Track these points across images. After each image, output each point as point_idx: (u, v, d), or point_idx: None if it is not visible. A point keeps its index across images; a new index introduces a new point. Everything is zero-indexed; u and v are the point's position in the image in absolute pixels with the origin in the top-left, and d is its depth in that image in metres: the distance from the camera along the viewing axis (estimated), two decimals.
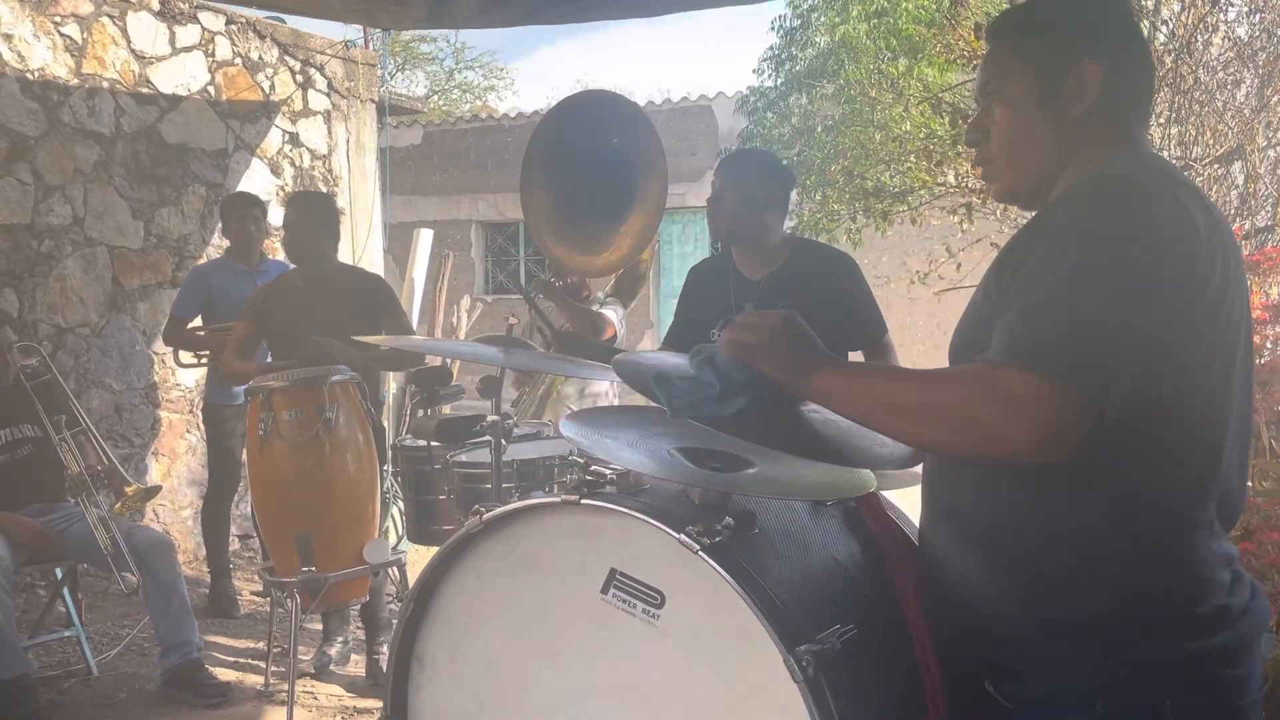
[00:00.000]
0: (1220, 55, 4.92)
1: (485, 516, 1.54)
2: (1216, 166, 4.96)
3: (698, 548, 1.34)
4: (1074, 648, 1.32)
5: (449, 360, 5.29)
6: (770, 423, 1.34)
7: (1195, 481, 1.32)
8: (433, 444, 3.16)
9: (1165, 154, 4.97)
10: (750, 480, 1.43)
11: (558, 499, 1.49)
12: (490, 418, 2.38)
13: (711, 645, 1.40)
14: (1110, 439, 1.24)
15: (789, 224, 7.76)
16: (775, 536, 1.51)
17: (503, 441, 2.37)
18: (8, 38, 5.16)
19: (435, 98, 23.25)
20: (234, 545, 5.97)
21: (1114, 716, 1.31)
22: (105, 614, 5.09)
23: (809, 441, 1.34)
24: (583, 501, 1.46)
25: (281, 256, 5.83)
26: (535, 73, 47.94)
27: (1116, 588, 1.31)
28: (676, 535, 1.36)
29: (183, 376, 6.00)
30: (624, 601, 1.45)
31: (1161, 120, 4.96)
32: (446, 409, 3.82)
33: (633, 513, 1.42)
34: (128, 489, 4.24)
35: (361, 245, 7.09)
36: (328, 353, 3.95)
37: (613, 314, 4.53)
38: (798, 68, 7.67)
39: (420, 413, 3.81)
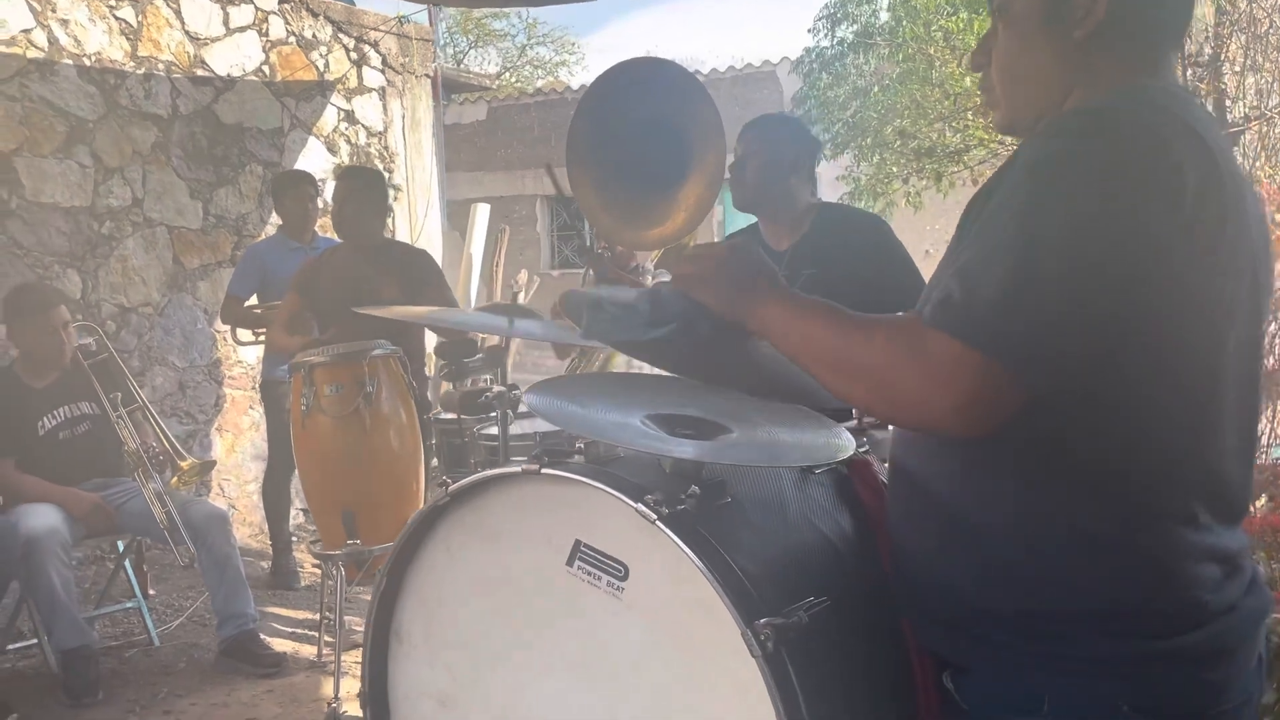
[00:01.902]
0: None
1: (450, 488, 1.51)
2: None
3: (654, 517, 1.28)
4: (1021, 642, 1.21)
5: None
6: (711, 356, 1.27)
7: (1167, 469, 1.17)
8: (463, 416, 3.14)
9: (1241, 104, 4.72)
10: (716, 447, 1.36)
11: (518, 469, 1.44)
12: (496, 388, 2.35)
13: (675, 619, 1.34)
14: (1057, 418, 1.13)
15: (844, 189, 7.61)
16: (749, 506, 1.44)
17: (509, 413, 2.34)
18: (64, 23, 5.27)
19: (508, 74, 23.35)
20: (299, 519, 6.08)
21: (1065, 717, 1.19)
22: (171, 585, 5.22)
23: (749, 378, 1.27)
24: (543, 471, 1.41)
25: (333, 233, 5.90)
26: (607, 46, 47.75)
27: (1065, 579, 1.18)
28: (633, 504, 1.30)
29: (245, 353, 6.10)
30: (589, 574, 1.39)
31: (1236, 68, 4.71)
32: (494, 380, 3.79)
33: (592, 482, 1.36)
34: (183, 464, 4.33)
35: (420, 221, 7.13)
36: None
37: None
38: (854, 27, 7.46)
39: (451, 385, 3.81)
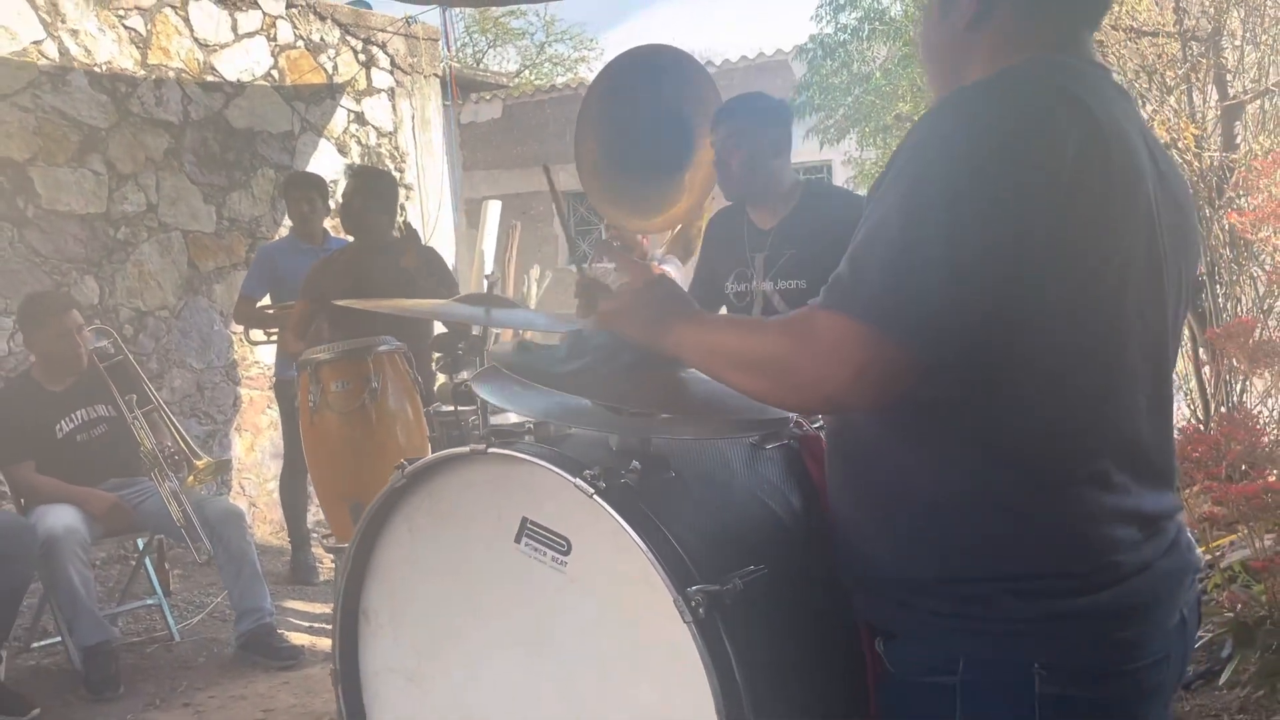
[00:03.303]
0: None
1: (407, 470, 1.56)
2: None
3: (592, 491, 1.32)
4: (938, 606, 1.24)
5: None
6: (635, 384, 1.33)
7: (1073, 431, 1.20)
8: (459, 408, 3.19)
9: (1241, 80, 4.68)
10: (656, 422, 1.40)
11: (467, 449, 1.49)
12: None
13: (615, 590, 1.39)
14: (955, 387, 1.16)
15: (850, 173, 7.61)
16: (693, 481, 1.48)
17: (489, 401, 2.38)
18: (74, 33, 5.37)
19: (527, 72, 23.42)
20: (318, 515, 6.17)
21: (979, 678, 1.22)
22: (193, 583, 5.32)
23: (675, 400, 1.33)
24: (489, 450, 1.46)
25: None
26: (626, 41, 47.60)
27: (979, 545, 1.21)
28: (572, 480, 1.34)
29: (261, 354, 6.19)
30: (535, 550, 1.44)
31: (1236, 43, 4.67)
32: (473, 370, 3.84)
33: (535, 459, 1.41)
34: (199, 463, 4.41)
35: (432, 219, 7.20)
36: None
37: (673, 269, 4.51)
38: (856, 13, 7.45)
39: (446, 378, 3.87)
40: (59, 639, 4.20)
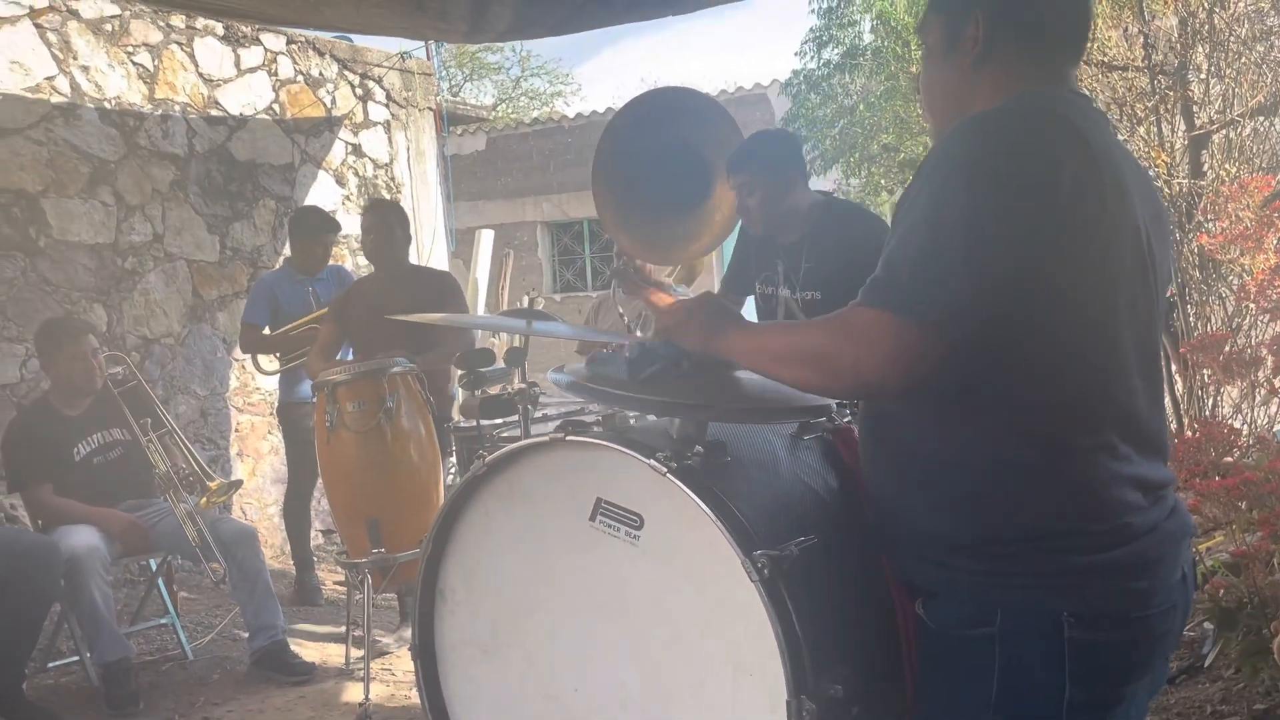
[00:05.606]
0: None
1: (487, 460, 1.73)
2: (1261, 119, 4.92)
3: (665, 470, 1.50)
4: (975, 565, 1.41)
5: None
6: (696, 386, 1.53)
7: (1083, 406, 1.38)
8: (481, 422, 3.35)
9: (1206, 111, 4.95)
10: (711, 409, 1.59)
11: (546, 438, 1.66)
12: (517, 385, 2.56)
13: (685, 559, 1.56)
14: (976, 370, 1.34)
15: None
16: (747, 464, 1.66)
17: (529, 408, 2.56)
18: (85, 69, 5.52)
19: (503, 106, 23.66)
20: (319, 540, 6.27)
21: (1014, 627, 1.39)
22: (201, 605, 5.40)
23: (731, 397, 1.52)
24: (568, 439, 1.63)
25: (346, 264, 6.14)
26: (600, 75, 48.35)
27: (1009, 508, 1.39)
28: (647, 461, 1.52)
29: (263, 380, 6.31)
30: (609, 526, 1.61)
31: (1202, 76, 4.94)
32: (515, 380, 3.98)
33: (611, 445, 1.58)
34: (211, 484, 4.51)
35: (427, 249, 7.36)
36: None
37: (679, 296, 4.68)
38: (839, 49, 7.74)
39: (469, 394, 4.02)
40: (75, 659, 4.27)
